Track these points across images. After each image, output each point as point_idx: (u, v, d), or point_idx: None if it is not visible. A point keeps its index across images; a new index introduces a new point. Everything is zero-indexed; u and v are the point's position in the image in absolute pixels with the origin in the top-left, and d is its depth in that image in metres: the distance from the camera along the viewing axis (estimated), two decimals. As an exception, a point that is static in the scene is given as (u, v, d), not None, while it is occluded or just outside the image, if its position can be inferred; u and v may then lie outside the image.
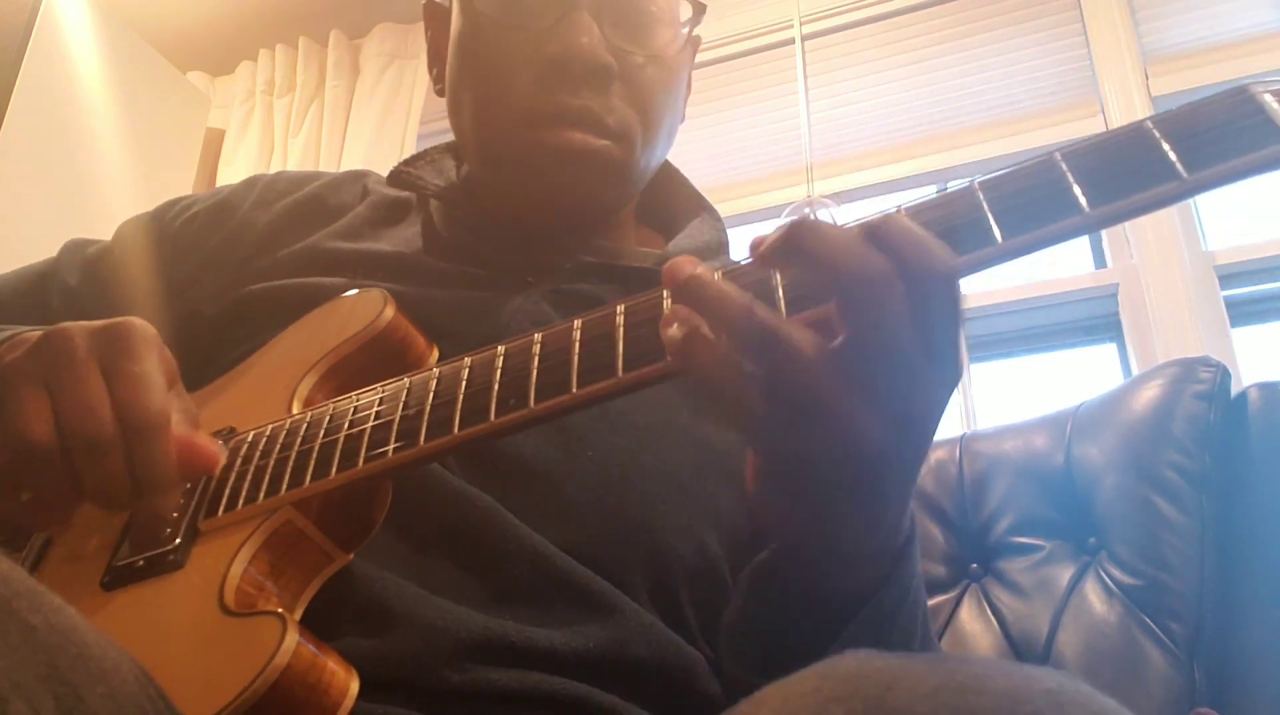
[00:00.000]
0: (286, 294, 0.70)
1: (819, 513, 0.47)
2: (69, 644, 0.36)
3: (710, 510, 0.64)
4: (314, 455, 0.56)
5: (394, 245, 0.75)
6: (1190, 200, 1.82)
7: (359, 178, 0.85)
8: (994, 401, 1.87)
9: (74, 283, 0.81)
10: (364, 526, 0.57)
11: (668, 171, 0.85)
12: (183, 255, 0.79)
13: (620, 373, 0.48)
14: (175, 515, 0.57)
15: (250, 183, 0.83)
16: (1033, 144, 1.94)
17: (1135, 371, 1.70)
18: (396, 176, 0.80)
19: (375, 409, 0.56)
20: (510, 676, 0.54)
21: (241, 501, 0.56)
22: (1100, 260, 1.91)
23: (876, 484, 0.45)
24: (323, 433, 0.57)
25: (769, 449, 0.45)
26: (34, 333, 0.55)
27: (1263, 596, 0.94)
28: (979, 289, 1.88)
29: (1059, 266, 1.92)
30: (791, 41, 2.19)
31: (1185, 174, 0.42)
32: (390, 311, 0.63)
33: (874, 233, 0.41)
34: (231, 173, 2.50)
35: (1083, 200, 0.43)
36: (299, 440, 0.57)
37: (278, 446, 0.57)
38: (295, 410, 0.61)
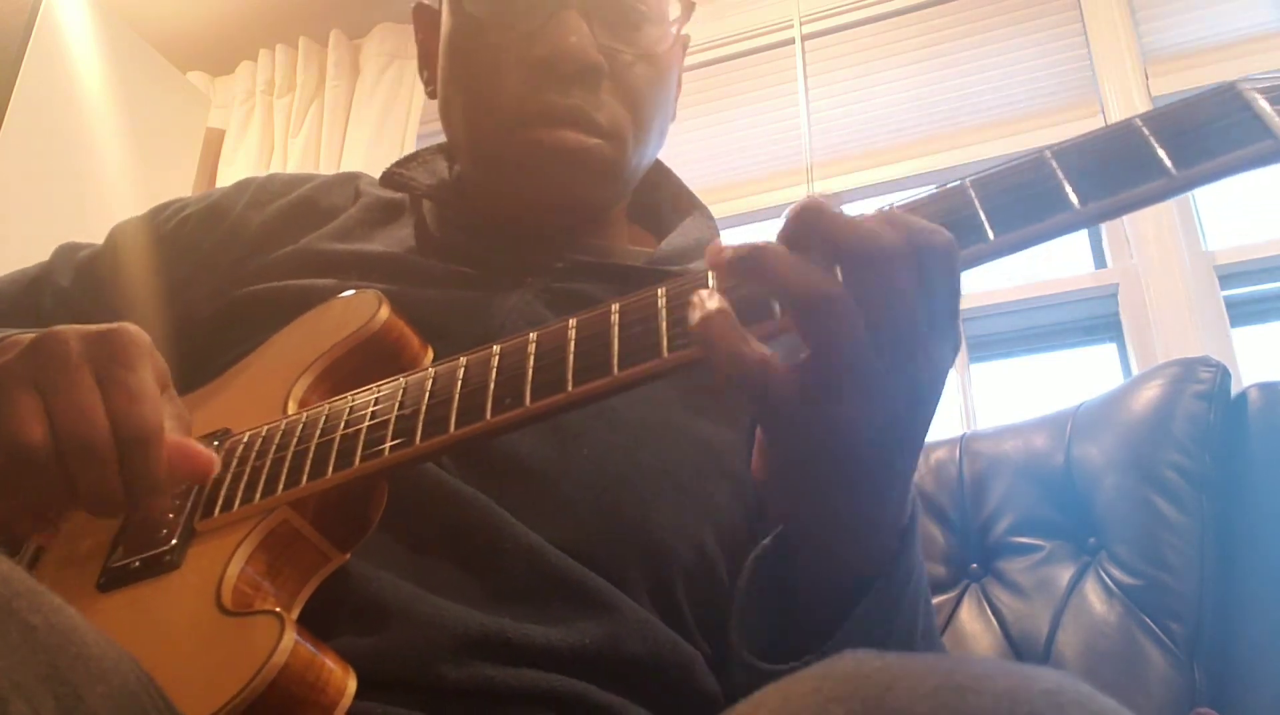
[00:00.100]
0: (280, 296, 0.71)
1: (833, 491, 0.48)
2: (69, 644, 0.36)
3: (707, 508, 0.64)
4: (310, 455, 0.56)
5: (387, 246, 0.76)
6: (1190, 201, 1.82)
7: (351, 179, 0.85)
8: (994, 401, 1.87)
9: (66, 285, 0.81)
10: (360, 526, 0.57)
11: (659, 170, 0.86)
12: (176, 258, 0.79)
13: (616, 370, 0.48)
14: (171, 516, 0.57)
15: (242, 185, 0.84)
16: (1033, 144, 1.92)
17: (1135, 371, 1.70)
18: (389, 177, 0.80)
19: (371, 409, 0.56)
20: (508, 674, 0.54)
21: (238, 502, 0.56)
22: (1100, 260, 1.91)
23: (889, 457, 0.47)
24: (319, 432, 0.57)
25: (796, 428, 0.46)
26: (27, 335, 0.55)
27: (1263, 596, 0.94)
28: (979, 289, 1.88)
29: (1059, 266, 1.92)
30: (791, 41, 2.19)
31: (1174, 170, 0.43)
32: (385, 312, 0.63)
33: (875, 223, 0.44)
34: (231, 173, 2.50)
35: (1073, 197, 0.44)
36: (295, 440, 0.57)
37: (274, 447, 0.57)
38: (291, 411, 0.60)
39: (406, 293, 0.68)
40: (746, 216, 2.14)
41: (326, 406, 0.58)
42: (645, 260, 0.76)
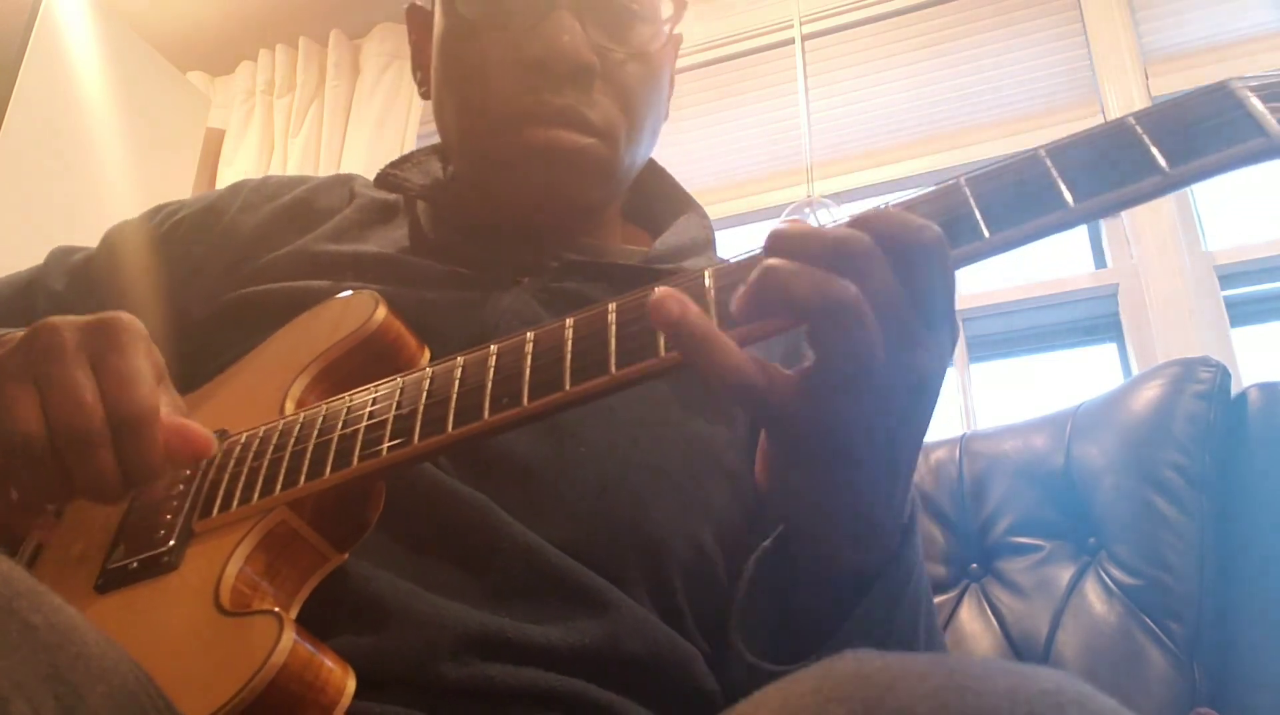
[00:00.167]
0: (276, 297, 0.71)
1: (834, 491, 0.48)
2: (69, 643, 0.36)
3: (704, 506, 0.64)
4: (308, 455, 0.55)
5: (381, 247, 0.76)
6: (1191, 201, 1.82)
7: (345, 181, 0.85)
8: (994, 401, 1.87)
9: (60, 288, 0.81)
10: (358, 526, 0.57)
11: (653, 169, 0.86)
12: (170, 261, 0.79)
13: (614, 370, 0.48)
14: (169, 517, 0.57)
15: (236, 188, 0.84)
16: (1033, 144, 1.93)
17: (1135, 371, 1.70)
18: (383, 178, 0.80)
19: (369, 409, 0.56)
20: (506, 673, 0.54)
21: (236, 502, 0.56)
22: (1100, 260, 1.91)
23: (890, 455, 0.47)
24: (316, 433, 0.57)
25: (800, 430, 0.46)
26: (20, 332, 0.55)
27: (1262, 596, 0.94)
28: (979, 289, 1.88)
29: (1059, 267, 1.92)
30: (791, 41, 2.19)
31: (1168, 168, 0.44)
32: (382, 313, 0.63)
33: (855, 223, 0.44)
34: (231, 173, 2.50)
35: (1067, 195, 0.45)
36: (292, 441, 0.57)
37: (271, 447, 0.57)
38: (288, 411, 0.60)
39: (402, 293, 0.68)
40: (746, 216, 2.14)
41: (324, 407, 0.58)
42: (640, 259, 0.76)
